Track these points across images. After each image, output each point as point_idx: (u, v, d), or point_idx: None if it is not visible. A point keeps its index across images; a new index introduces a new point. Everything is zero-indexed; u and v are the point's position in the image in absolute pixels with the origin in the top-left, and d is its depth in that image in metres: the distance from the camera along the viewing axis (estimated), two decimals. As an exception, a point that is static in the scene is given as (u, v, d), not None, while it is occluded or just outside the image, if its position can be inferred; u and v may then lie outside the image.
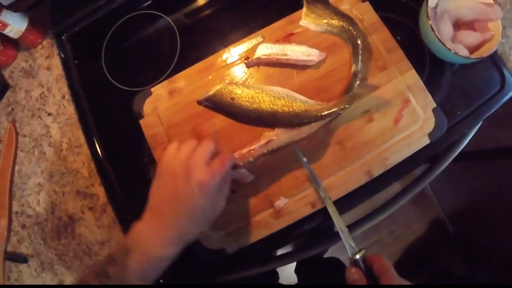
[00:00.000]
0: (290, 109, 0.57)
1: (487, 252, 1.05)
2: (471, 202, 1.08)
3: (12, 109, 0.74)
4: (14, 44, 0.76)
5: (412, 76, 0.59)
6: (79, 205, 0.67)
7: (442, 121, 0.59)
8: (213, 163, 0.46)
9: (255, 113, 0.57)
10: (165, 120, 0.61)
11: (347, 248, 0.49)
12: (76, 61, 0.72)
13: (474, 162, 0.94)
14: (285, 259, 0.70)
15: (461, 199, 1.14)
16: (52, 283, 0.66)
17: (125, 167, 0.65)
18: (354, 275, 0.46)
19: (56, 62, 0.74)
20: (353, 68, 0.58)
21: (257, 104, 0.57)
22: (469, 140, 0.71)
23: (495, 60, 0.65)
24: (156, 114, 0.61)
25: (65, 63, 0.72)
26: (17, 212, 0.70)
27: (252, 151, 0.55)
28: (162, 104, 0.61)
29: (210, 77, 0.61)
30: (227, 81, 0.60)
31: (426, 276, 1.26)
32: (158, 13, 0.70)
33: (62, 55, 0.73)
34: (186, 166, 0.45)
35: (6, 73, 0.76)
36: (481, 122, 0.66)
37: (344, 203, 0.58)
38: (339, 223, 0.52)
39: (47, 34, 0.76)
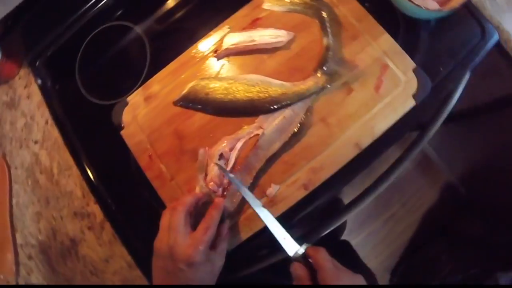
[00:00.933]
0: (267, 95, 0.56)
1: (502, 209, 1.02)
2: (478, 160, 1.06)
3: (0, 143, 0.75)
4: (-8, 79, 0.76)
5: (386, 40, 0.58)
6: (78, 227, 0.67)
7: (424, 81, 0.57)
8: (195, 233, 0.45)
9: (231, 104, 0.56)
10: (146, 127, 0.60)
11: (285, 248, 0.47)
12: (53, 85, 0.72)
13: (474, 119, 0.92)
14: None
15: (468, 159, 1.12)
16: (66, 309, 0.66)
17: (115, 181, 0.65)
18: (297, 270, 0.45)
19: (35, 89, 0.74)
20: (324, 41, 0.57)
21: (232, 95, 0.56)
22: (462, 96, 0.69)
23: (471, 10, 0.62)
24: (136, 123, 0.61)
25: (43, 88, 0.72)
26: (21, 245, 0.70)
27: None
28: (140, 111, 0.61)
29: (183, 76, 0.60)
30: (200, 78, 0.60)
31: (447, 243, 1.23)
32: (123, 23, 0.70)
33: (39, 82, 0.73)
34: (167, 245, 0.44)
35: (-11, 109, 0.76)
36: (468, 75, 0.64)
37: (337, 180, 0.56)
38: (276, 227, 0.49)
39: (22, 64, 0.76)
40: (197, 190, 0.56)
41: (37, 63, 0.74)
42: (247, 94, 0.56)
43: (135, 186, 0.62)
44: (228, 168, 0.55)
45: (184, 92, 0.58)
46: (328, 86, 0.56)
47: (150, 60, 0.66)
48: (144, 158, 0.60)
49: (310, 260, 0.45)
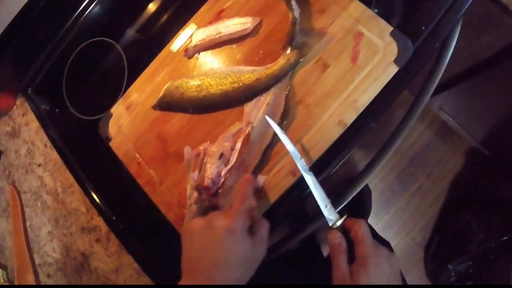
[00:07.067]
0: (240, 84, 0.55)
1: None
2: (496, 118, 0.98)
3: (9, 172, 0.78)
4: (-7, 113, 0.80)
5: (356, 8, 0.54)
6: (87, 241, 0.69)
7: (405, 43, 0.53)
8: (233, 206, 0.45)
9: (206, 100, 0.56)
10: (131, 135, 0.61)
11: (326, 217, 0.46)
12: (46, 109, 0.75)
13: (481, 76, 0.85)
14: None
15: (486, 119, 1.04)
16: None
17: (112, 192, 0.67)
18: (336, 239, 0.44)
19: (31, 116, 0.77)
20: (290, 16, 0.54)
21: (206, 91, 0.55)
22: (465, 54, 0.64)
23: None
24: (122, 133, 0.62)
25: (37, 114, 0.75)
26: (39, 264, 0.74)
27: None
28: (124, 121, 0.62)
29: (158, 80, 0.60)
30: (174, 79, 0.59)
31: (476, 210, 1.16)
32: (99, 39, 0.71)
33: (34, 108, 0.76)
34: (205, 220, 0.45)
35: (-6, 141, 0.80)
36: (458, 29, 0.59)
37: (327, 161, 0.54)
38: (320, 194, 0.47)
39: (17, 94, 0.80)
40: (188, 189, 0.55)
41: (29, 91, 0.76)
42: (220, 87, 0.55)
43: (131, 195, 0.63)
44: (228, 167, 0.54)
45: (160, 95, 0.58)
46: (301, 60, 0.54)
47: (128, 70, 0.67)
48: (133, 166, 0.60)
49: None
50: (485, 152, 1.18)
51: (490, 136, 1.10)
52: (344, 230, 0.45)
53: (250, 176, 0.51)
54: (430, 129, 1.37)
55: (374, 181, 1.45)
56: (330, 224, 0.46)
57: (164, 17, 0.68)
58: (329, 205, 0.47)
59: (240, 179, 0.50)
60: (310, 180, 0.48)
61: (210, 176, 0.54)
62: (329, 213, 0.46)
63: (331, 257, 0.44)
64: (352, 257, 0.43)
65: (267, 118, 0.51)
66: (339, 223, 0.45)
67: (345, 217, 0.46)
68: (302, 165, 0.49)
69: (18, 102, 0.79)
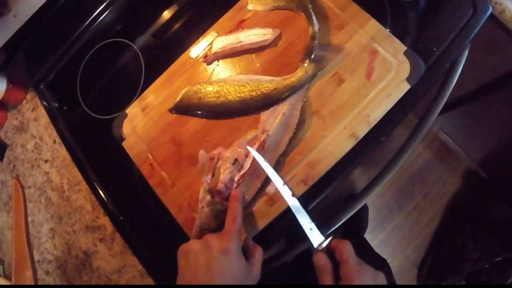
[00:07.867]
0: (258, 92, 0.56)
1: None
2: (495, 141, 1.01)
3: (14, 165, 0.78)
4: (2, 106, 0.80)
5: (373, 26, 0.57)
6: (90, 240, 0.69)
7: (417, 62, 0.55)
8: (225, 226, 0.47)
9: (224, 107, 0.57)
10: (145, 137, 0.62)
11: (311, 240, 0.47)
12: (58, 105, 0.75)
13: (484, 99, 0.88)
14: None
15: (485, 142, 1.07)
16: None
17: (121, 192, 0.67)
18: (321, 260, 0.45)
19: (41, 112, 0.77)
20: (310, 30, 0.56)
21: (224, 97, 0.57)
22: (468, 76, 0.66)
23: (461, -15, 0.61)
24: (136, 133, 0.62)
25: (48, 110, 0.75)
26: (39, 261, 0.73)
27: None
28: (138, 122, 0.62)
29: (176, 84, 0.61)
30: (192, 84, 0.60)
31: (472, 230, 1.18)
32: (118, 40, 0.72)
33: (45, 103, 0.76)
34: (201, 241, 0.46)
35: (1, 134, 0.80)
36: (467, 52, 0.62)
37: (338, 172, 0.56)
38: (303, 218, 0.49)
39: (28, 88, 0.80)
40: (201, 191, 0.56)
41: (41, 86, 0.77)
42: (238, 95, 0.56)
43: (140, 196, 0.64)
44: (242, 173, 0.55)
45: (177, 99, 0.59)
46: (319, 73, 0.55)
47: (145, 72, 0.68)
48: (146, 167, 0.61)
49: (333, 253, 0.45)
50: (483, 174, 1.21)
51: (488, 159, 1.13)
52: (329, 250, 0.46)
53: (237, 192, 0.51)
54: (429, 149, 1.40)
55: (372, 198, 1.47)
56: (316, 246, 0.47)
57: (183, 23, 0.70)
58: (314, 228, 0.48)
59: (230, 196, 0.51)
60: (294, 205, 0.50)
61: (223, 181, 0.54)
62: (314, 236, 0.47)
63: (318, 277, 0.45)
64: (338, 276, 0.44)
65: (249, 148, 0.53)
66: (324, 244, 0.47)
67: (330, 238, 0.47)
68: (285, 191, 0.51)
69: (28, 96, 0.80)
